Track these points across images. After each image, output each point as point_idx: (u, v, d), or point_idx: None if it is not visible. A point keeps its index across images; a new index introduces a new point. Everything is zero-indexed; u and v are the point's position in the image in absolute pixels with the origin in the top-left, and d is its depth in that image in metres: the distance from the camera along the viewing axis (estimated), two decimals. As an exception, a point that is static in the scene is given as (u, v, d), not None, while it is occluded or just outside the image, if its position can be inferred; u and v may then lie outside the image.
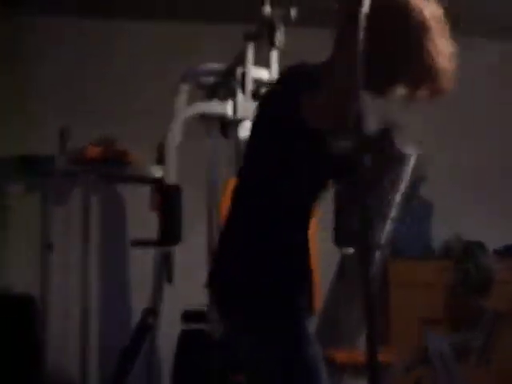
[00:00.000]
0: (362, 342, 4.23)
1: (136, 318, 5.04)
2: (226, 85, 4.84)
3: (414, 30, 2.31)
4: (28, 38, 6.22)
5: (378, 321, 2.37)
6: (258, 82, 4.74)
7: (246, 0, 4.66)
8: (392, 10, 2.34)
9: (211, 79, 4.90)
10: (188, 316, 5.13)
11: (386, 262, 6.18)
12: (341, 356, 5.05)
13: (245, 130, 4.70)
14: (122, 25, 6.29)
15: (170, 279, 4.74)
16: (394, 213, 5.66)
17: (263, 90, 4.79)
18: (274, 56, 4.72)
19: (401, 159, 5.31)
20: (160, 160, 4.92)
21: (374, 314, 1.98)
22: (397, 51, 2.33)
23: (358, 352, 5.37)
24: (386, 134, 2.66)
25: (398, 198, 5.79)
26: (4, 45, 6.22)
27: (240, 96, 4.74)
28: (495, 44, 6.62)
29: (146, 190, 5.25)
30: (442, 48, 2.35)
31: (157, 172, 4.97)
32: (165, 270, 4.74)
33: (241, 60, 4.65)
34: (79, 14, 6.22)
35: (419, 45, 2.31)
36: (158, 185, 4.87)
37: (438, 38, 2.34)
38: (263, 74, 4.74)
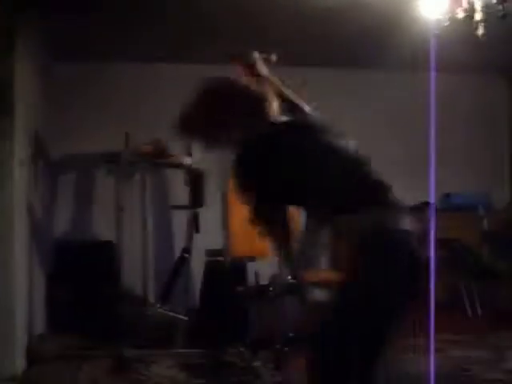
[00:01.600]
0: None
1: (177, 253, 5.59)
2: None
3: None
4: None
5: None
6: None
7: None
8: None
9: None
10: (209, 252, 5.56)
11: None
12: (311, 276, 5.21)
13: None
14: (160, 66, 6.65)
15: (197, 230, 5.17)
16: None
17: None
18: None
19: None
20: (190, 153, 5.28)
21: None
22: None
23: (322, 272, 5.78)
24: None
25: None
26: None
27: None
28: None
29: (180, 173, 5.56)
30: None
31: (188, 161, 5.29)
32: (194, 224, 5.17)
33: None
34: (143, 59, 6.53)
35: None
36: (189, 170, 5.27)
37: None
38: None
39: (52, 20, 5.20)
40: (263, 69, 2.78)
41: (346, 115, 6.45)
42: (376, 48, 6.12)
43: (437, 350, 4.89)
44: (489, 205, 7.12)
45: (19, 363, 4.48)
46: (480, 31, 4.09)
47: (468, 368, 4.37)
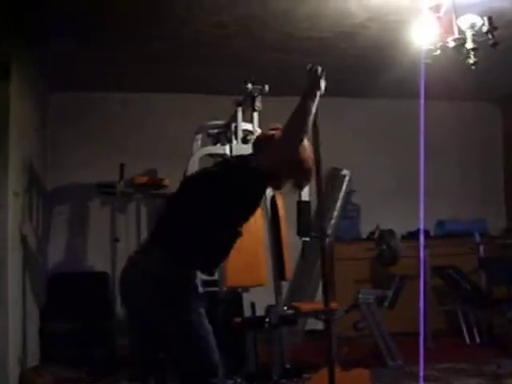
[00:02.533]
0: (317, 298, 4.75)
1: None
2: (224, 134, 5.14)
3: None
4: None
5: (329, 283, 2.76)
6: (246, 132, 5.08)
7: (234, 79, 4.86)
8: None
9: (215, 131, 5.21)
10: (204, 283, 5.28)
11: (332, 245, 6.52)
12: (305, 306, 5.32)
13: None
14: (153, 97, 6.66)
15: None
16: (337, 213, 6.53)
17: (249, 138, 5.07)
18: (255, 116, 5.06)
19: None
20: None
21: (327, 280, 2.61)
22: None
23: (315, 303, 5.80)
24: None
25: (338, 204, 6.62)
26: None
27: (234, 141, 5.05)
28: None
29: None
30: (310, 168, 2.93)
31: None
32: None
33: (234, 118, 5.06)
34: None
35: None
36: None
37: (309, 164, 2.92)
38: (249, 126, 5.09)
39: (49, 51, 5.23)
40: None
41: (339, 143, 6.54)
42: (368, 77, 6.21)
43: (436, 379, 4.89)
44: (485, 231, 7.09)
45: (13, 396, 4.48)
46: (471, 60, 4.12)
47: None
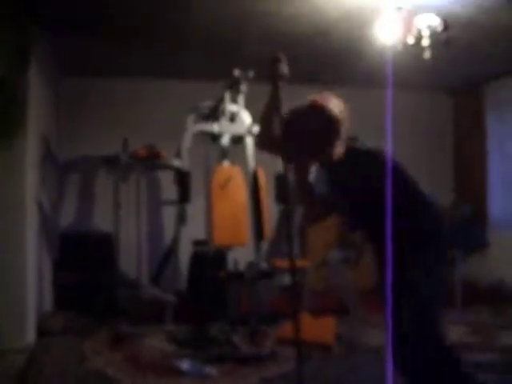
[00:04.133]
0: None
1: (167, 243, 5.62)
2: (214, 114, 5.20)
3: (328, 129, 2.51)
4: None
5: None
6: (232, 113, 5.18)
7: (224, 66, 4.98)
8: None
9: (206, 111, 5.25)
10: (195, 243, 5.64)
11: None
12: (280, 263, 5.31)
13: (225, 140, 5.23)
14: (153, 82, 6.69)
15: (184, 222, 5.15)
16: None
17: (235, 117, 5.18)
18: (241, 98, 5.21)
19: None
20: (178, 156, 5.29)
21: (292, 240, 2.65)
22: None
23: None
24: None
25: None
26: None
27: (222, 120, 5.15)
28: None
29: (170, 174, 5.55)
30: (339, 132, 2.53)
31: (176, 163, 5.28)
32: (181, 217, 5.16)
33: (222, 100, 5.16)
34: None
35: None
36: (177, 170, 5.27)
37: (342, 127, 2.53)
38: (234, 108, 5.21)
39: (60, 39, 5.26)
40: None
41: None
42: (339, 67, 6.27)
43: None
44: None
45: (30, 336, 4.54)
46: (427, 55, 4.23)
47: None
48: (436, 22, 4.16)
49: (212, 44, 5.50)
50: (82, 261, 5.76)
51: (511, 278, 6.34)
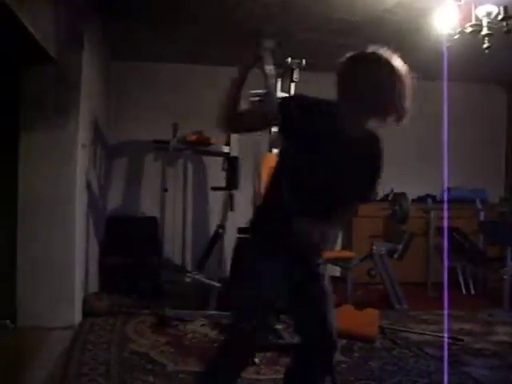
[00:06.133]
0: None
1: (213, 229, 5.50)
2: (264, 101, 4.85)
3: (387, 80, 2.11)
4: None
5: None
6: None
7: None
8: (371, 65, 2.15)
9: (256, 98, 4.70)
10: (241, 230, 5.32)
11: None
12: (326, 254, 5.30)
13: (274, 128, 5.11)
14: (200, 68, 6.71)
15: (231, 209, 5.15)
16: None
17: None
18: (292, 86, 5.02)
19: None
20: (228, 143, 5.32)
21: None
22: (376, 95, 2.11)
23: (335, 252, 5.96)
24: None
25: None
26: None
27: None
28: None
29: (219, 159, 5.60)
30: (405, 92, 2.13)
31: (226, 149, 5.32)
32: (229, 204, 5.15)
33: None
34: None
35: (392, 91, 2.11)
36: (226, 156, 5.28)
37: (403, 85, 2.12)
38: (285, 95, 4.74)
39: (112, 24, 5.31)
40: None
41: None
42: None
43: (435, 322, 4.95)
44: (485, 199, 7.06)
45: (77, 315, 4.59)
46: (485, 44, 4.08)
47: (461, 338, 4.39)
48: (496, 11, 4.00)
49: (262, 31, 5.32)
50: (128, 244, 5.80)
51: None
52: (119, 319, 4.80)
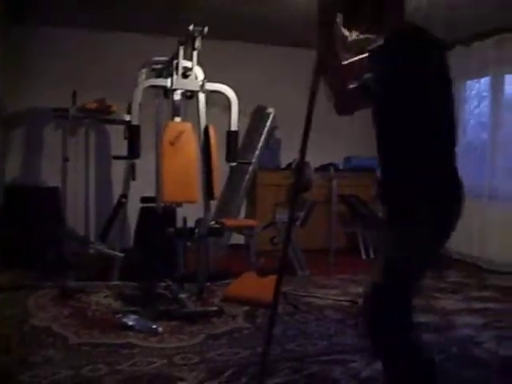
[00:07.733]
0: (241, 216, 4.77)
1: (116, 198, 5.40)
2: (167, 69, 5.05)
3: None
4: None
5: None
6: (185, 69, 4.96)
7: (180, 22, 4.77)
8: None
9: (159, 66, 5.16)
10: (144, 199, 5.41)
11: (255, 172, 6.54)
12: (229, 222, 5.37)
13: (177, 96, 5.01)
14: (105, 35, 6.46)
15: (133, 178, 4.99)
16: (261, 144, 6.51)
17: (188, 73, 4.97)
18: (195, 54, 4.97)
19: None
20: (129, 111, 5.15)
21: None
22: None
23: (238, 220, 6.00)
24: None
25: (263, 137, 6.60)
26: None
27: (175, 76, 4.92)
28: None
29: (120, 128, 5.41)
30: None
31: (127, 117, 5.18)
32: (131, 173, 5.00)
33: (176, 56, 4.91)
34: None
35: None
36: (128, 125, 5.07)
37: None
38: (188, 63, 4.98)
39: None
40: None
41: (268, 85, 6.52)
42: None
43: (335, 287, 5.08)
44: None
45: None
46: None
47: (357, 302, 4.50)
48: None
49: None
50: (29, 215, 5.59)
51: None
52: (21, 294, 4.61)
